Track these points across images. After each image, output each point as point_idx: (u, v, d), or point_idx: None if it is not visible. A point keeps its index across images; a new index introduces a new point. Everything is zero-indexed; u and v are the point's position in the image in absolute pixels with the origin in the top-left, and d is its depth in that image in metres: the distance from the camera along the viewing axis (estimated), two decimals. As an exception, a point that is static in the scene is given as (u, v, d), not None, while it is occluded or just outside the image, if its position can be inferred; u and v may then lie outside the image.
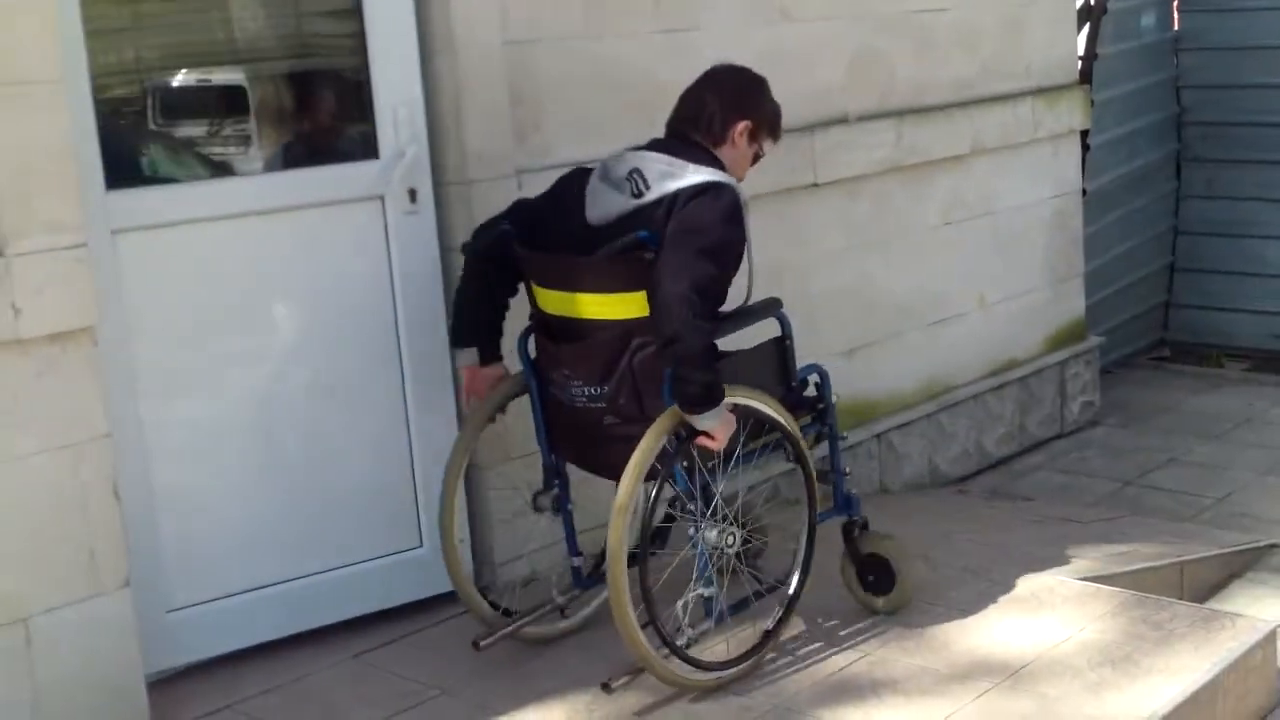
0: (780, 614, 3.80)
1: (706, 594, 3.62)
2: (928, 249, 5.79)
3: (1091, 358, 6.75)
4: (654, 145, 3.74)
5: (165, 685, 3.81)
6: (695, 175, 3.58)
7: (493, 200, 4.16)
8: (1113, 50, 7.30)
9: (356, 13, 4.04)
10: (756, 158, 3.85)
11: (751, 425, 3.65)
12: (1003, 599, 4.13)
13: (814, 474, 3.84)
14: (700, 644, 3.67)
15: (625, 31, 4.54)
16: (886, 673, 3.72)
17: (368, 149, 4.09)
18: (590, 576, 3.99)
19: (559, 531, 4.02)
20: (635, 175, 3.61)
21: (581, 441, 3.81)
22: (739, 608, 3.78)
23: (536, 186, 4.24)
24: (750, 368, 3.72)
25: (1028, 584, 4.22)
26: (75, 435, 3.42)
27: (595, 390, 3.64)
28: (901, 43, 5.59)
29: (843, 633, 3.95)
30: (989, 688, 3.61)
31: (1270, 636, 3.87)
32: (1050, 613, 4.03)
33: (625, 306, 3.55)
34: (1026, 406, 6.35)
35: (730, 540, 3.62)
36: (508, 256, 3.76)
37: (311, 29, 4.24)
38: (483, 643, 3.81)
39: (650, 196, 3.58)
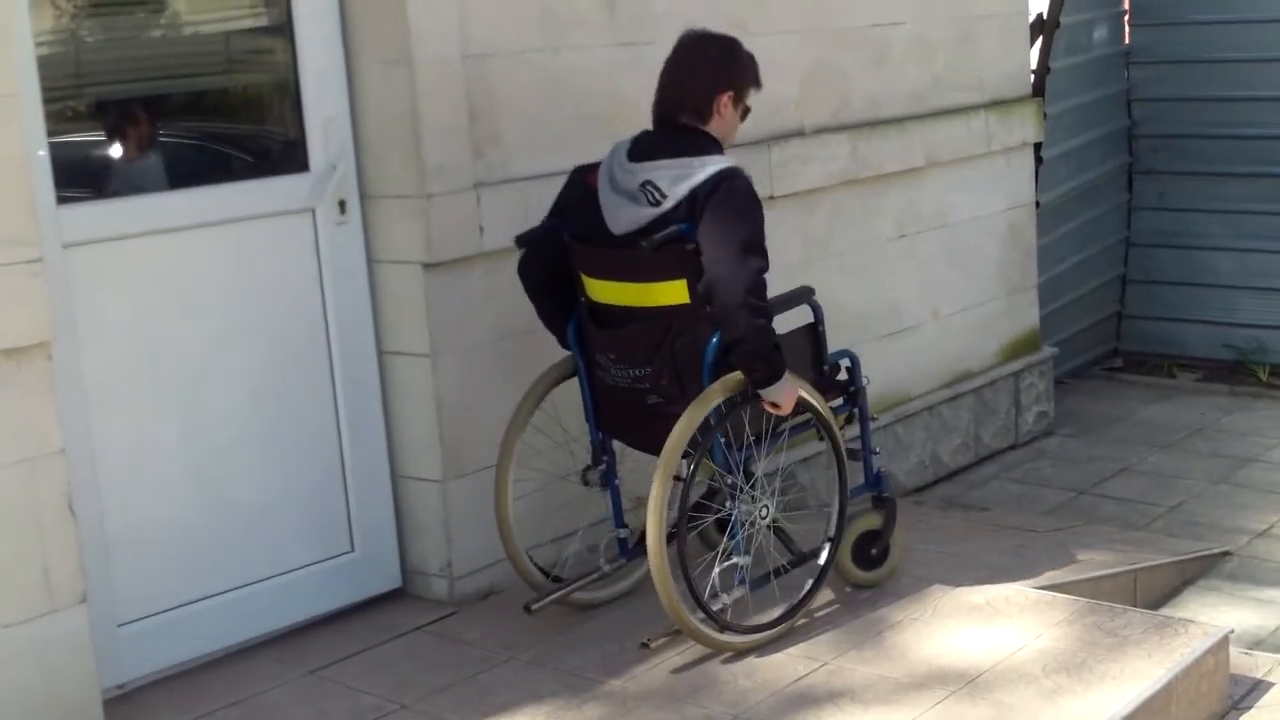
0: (811, 584, 4.06)
1: (740, 563, 3.87)
2: (883, 261, 5.82)
3: (1045, 368, 6.80)
4: (647, 139, 3.93)
5: (122, 702, 3.80)
6: (703, 170, 3.77)
7: (452, 214, 4.18)
8: (1065, 64, 7.36)
9: (287, 30, 4.11)
10: (745, 114, 4.06)
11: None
12: (959, 608, 4.16)
13: (844, 452, 4.10)
14: (734, 609, 3.91)
15: (582, 45, 4.55)
16: (844, 682, 3.74)
17: (299, 162, 4.17)
18: (635, 547, 4.19)
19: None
20: (649, 187, 3.79)
21: (628, 420, 4.05)
22: (775, 575, 4.03)
23: (494, 200, 4.26)
24: (785, 352, 3.87)
25: (984, 593, 4.25)
26: (30, 450, 3.40)
27: (639, 372, 3.89)
28: (856, 56, 5.63)
29: (800, 642, 3.97)
30: (946, 696, 3.63)
31: (1222, 642, 3.92)
32: (1006, 621, 4.06)
33: (665, 294, 3.80)
34: (981, 417, 6.39)
35: (764, 513, 3.89)
36: (555, 248, 4.01)
37: (246, 46, 4.27)
38: (534, 606, 4.03)
39: (669, 203, 3.77)
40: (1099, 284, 7.96)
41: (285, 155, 4.20)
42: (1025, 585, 4.33)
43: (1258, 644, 4.51)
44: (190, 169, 4.14)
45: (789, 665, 3.83)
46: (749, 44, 4.57)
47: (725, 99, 3.94)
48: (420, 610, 4.30)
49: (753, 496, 3.89)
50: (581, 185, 3.98)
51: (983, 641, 3.93)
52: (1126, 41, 8.02)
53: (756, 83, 4.08)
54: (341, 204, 4.21)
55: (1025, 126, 6.49)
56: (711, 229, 3.71)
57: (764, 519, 3.91)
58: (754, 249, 3.73)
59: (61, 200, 3.67)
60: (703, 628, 3.83)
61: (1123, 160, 8.05)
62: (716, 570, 3.84)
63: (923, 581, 4.35)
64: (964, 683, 3.69)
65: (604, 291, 3.94)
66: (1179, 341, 7.93)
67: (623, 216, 3.83)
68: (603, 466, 4.16)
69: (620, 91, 4.65)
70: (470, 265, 4.27)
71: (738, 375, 3.79)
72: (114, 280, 3.81)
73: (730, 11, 5.01)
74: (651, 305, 3.83)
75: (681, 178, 3.77)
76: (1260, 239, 7.70)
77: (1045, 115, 6.77)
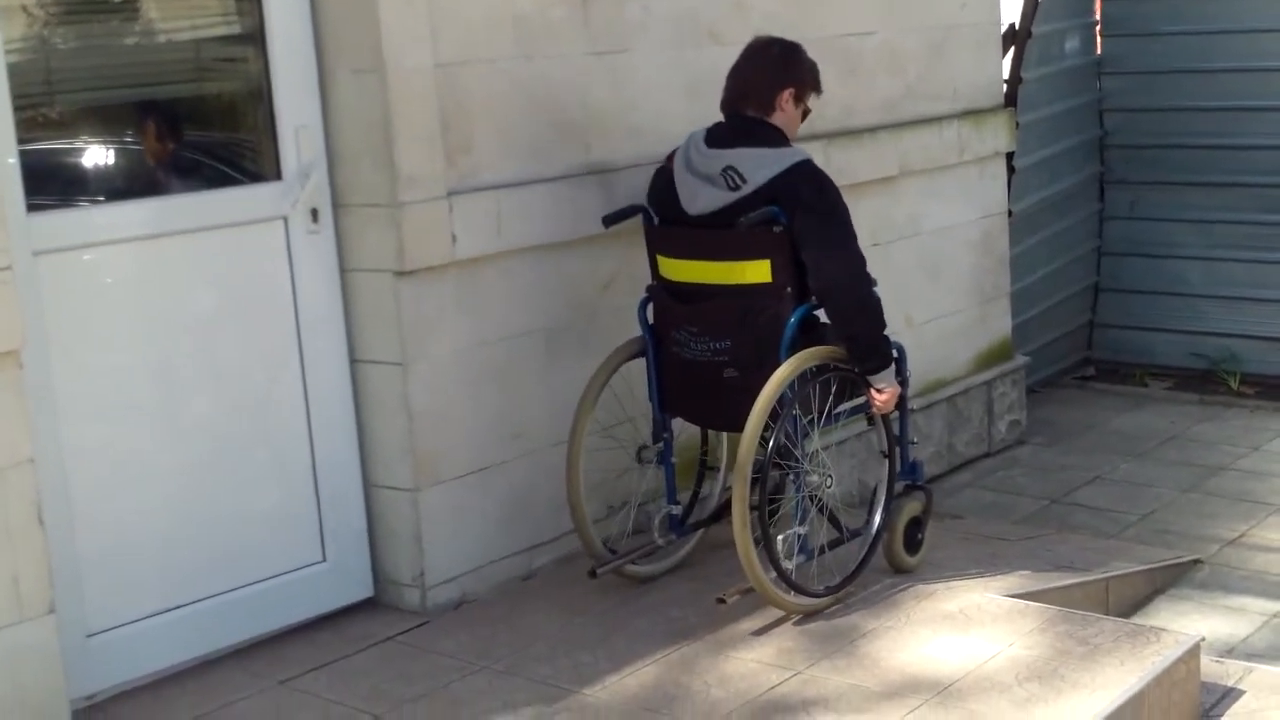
0: (864, 556, 4.34)
1: (800, 532, 4.12)
2: (856, 270, 5.81)
3: (1018, 377, 6.81)
4: (722, 129, 4.24)
5: (91, 713, 3.77)
6: (780, 160, 4.08)
7: (424, 222, 4.17)
8: (1037, 74, 7.39)
9: (260, 38, 4.10)
10: (805, 114, 4.39)
11: (840, 388, 4.18)
12: (932, 616, 4.17)
13: (893, 434, 4.39)
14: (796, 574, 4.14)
15: (556, 53, 4.55)
16: (818, 691, 3.74)
17: (271, 170, 4.16)
18: (684, 523, 4.50)
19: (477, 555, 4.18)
20: (731, 172, 4.09)
21: (700, 394, 4.31)
22: (829, 548, 4.29)
23: (467, 208, 4.25)
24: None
25: (957, 601, 4.26)
26: (-1, 459, 3.38)
27: (719, 344, 4.16)
28: (829, 65, 5.58)
29: (774, 651, 3.97)
30: (919, 704, 3.64)
31: (1194, 650, 3.93)
32: (979, 629, 4.07)
33: (749, 272, 4.09)
34: (955, 426, 6.41)
35: (828, 484, 4.18)
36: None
37: (217, 54, 4.25)
38: (600, 570, 4.27)
39: (748, 188, 4.07)
40: (1071, 293, 7.99)
41: (257, 163, 4.20)
42: (998, 594, 4.34)
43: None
44: (162, 176, 4.11)
45: (762, 675, 3.83)
46: (722, 53, 4.59)
47: (787, 95, 4.26)
48: (392, 620, 4.29)
49: (818, 469, 4.13)
50: (661, 171, 4.31)
51: (955, 650, 3.94)
52: (1098, 52, 8.06)
53: (817, 87, 4.38)
54: (314, 212, 4.20)
55: (998, 136, 6.51)
56: (816, 234, 4.02)
57: (828, 489, 4.18)
58: (854, 241, 4.10)
59: (32, 208, 3.64)
60: (774, 587, 4.05)
61: (1094, 170, 8.09)
62: (780, 538, 4.05)
63: (896, 589, 4.36)
64: (937, 691, 3.70)
65: (683, 270, 4.23)
66: (1150, 350, 7.97)
67: (702, 198, 4.13)
68: (660, 445, 4.41)
69: (593, 100, 4.65)
70: (443, 274, 4.26)
71: (812, 350, 4.08)
72: (85, 288, 3.78)
73: (703, 21, 5.02)
74: (735, 283, 4.11)
75: (761, 165, 4.06)
76: (1231, 248, 7.74)
77: (1018, 125, 6.79)
